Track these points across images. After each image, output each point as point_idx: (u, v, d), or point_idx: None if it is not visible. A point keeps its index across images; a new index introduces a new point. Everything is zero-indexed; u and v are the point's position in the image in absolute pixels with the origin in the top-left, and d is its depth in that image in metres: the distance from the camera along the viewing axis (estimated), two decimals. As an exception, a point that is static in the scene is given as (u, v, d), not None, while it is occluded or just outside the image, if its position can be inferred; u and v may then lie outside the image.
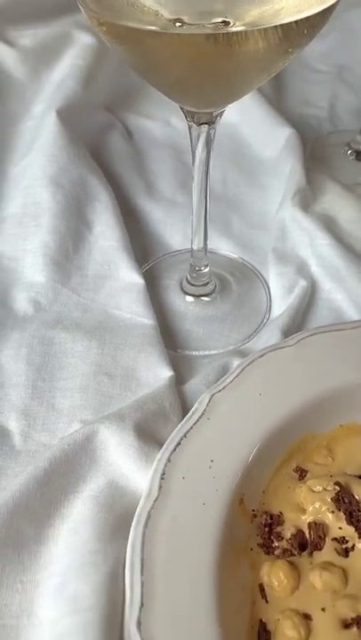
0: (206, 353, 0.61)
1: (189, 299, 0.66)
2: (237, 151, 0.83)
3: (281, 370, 0.53)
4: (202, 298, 0.66)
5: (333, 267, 0.64)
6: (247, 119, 0.85)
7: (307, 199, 0.70)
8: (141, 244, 0.72)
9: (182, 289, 0.66)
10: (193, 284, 0.65)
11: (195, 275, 0.65)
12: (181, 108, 0.49)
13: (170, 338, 0.63)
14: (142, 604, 0.38)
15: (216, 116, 0.49)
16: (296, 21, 0.41)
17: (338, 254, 0.64)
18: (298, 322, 0.62)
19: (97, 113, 0.84)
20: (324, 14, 0.43)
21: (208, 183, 0.58)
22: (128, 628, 0.38)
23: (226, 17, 0.41)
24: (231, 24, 0.41)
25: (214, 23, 0.41)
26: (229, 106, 0.83)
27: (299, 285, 0.64)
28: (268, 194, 0.76)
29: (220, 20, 0.41)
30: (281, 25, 0.41)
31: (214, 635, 0.38)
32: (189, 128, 0.52)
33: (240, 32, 0.40)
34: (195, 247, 0.62)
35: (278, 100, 0.94)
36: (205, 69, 0.42)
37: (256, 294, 0.67)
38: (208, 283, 0.65)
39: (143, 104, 0.89)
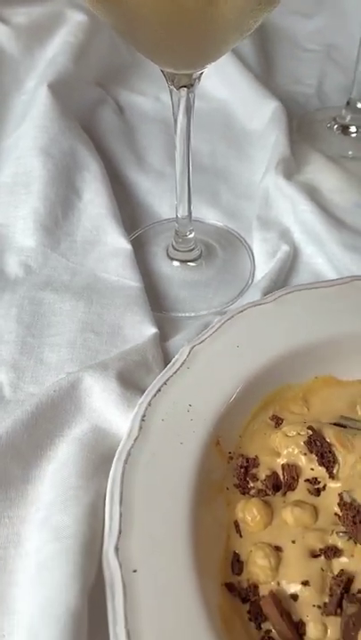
0: (191, 315, 0.64)
1: (176, 264, 0.68)
2: (226, 125, 0.85)
3: (259, 325, 0.55)
4: (188, 263, 0.68)
5: (314, 232, 0.66)
6: (236, 94, 0.87)
7: (290, 168, 0.72)
8: (131, 213, 0.74)
9: (169, 255, 0.68)
10: (179, 250, 0.67)
11: (180, 241, 0.67)
12: (162, 72, 0.51)
13: (156, 300, 0.65)
14: (120, 532, 0.41)
15: (195, 79, 0.51)
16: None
17: (319, 220, 0.66)
18: (280, 284, 0.64)
19: (89, 88, 0.86)
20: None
21: (190, 152, 0.60)
22: (106, 553, 0.40)
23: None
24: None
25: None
26: (218, 81, 0.84)
27: (281, 250, 0.66)
28: (254, 165, 0.78)
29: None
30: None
31: (188, 561, 0.40)
32: (171, 94, 0.54)
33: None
34: (179, 215, 0.64)
35: (268, 77, 0.96)
36: (182, 26, 0.44)
37: (240, 260, 0.69)
38: (193, 249, 0.68)
39: (134, 80, 0.91)
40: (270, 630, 0.41)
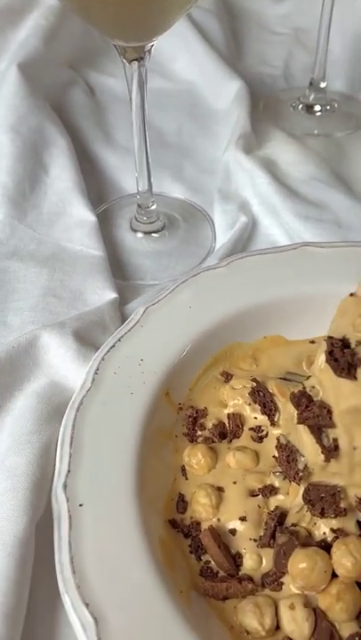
0: (153, 282, 0.66)
1: (140, 235, 0.71)
2: (193, 104, 0.88)
3: (212, 287, 0.58)
4: (152, 234, 0.71)
5: (271, 203, 0.69)
6: (202, 75, 0.90)
7: (250, 144, 0.75)
8: (98, 188, 0.77)
9: (132, 227, 0.71)
10: (141, 222, 0.70)
11: (143, 213, 0.69)
12: (115, 47, 0.54)
13: (120, 269, 0.68)
14: (69, 471, 0.44)
15: (145, 52, 0.54)
16: None
17: (275, 192, 0.69)
18: (238, 253, 0.67)
19: (60, 70, 0.89)
20: None
21: (146, 127, 0.62)
22: (55, 489, 0.43)
23: None
24: None
25: None
26: (186, 62, 0.86)
27: (240, 221, 0.69)
28: (218, 142, 0.81)
29: None
30: None
31: (131, 498, 0.43)
32: (125, 69, 0.57)
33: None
34: (140, 188, 0.67)
35: (237, 59, 0.99)
36: (131, 2, 0.46)
37: (202, 231, 0.72)
38: (156, 221, 0.70)
39: (105, 63, 0.93)
40: (209, 561, 0.44)
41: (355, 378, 0.37)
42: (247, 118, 0.78)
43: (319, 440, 0.40)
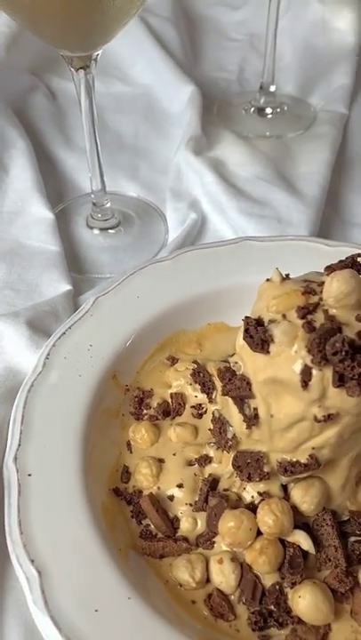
0: (107, 276, 0.70)
1: (96, 232, 0.75)
2: (149, 107, 0.93)
3: (159, 278, 0.62)
4: (108, 231, 0.75)
5: (218, 201, 0.74)
6: (158, 80, 0.94)
7: (200, 145, 0.80)
8: (58, 188, 0.81)
9: (88, 224, 0.75)
10: (97, 219, 0.74)
11: (98, 210, 0.74)
12: (62, 56, 0.58)
13: (77, 264, 0.72)
14: (19, 445, 0.48)
15: (91, 61, 0.58)
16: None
17: (222, 191, 0.74)
18: (188, 243, 0.71)
19: (22, 75, 0.93)
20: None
21: (96, 130, 0.66)
22: (6, 461, 0.47)
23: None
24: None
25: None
26: (143, 68, 0.90)
27: (190, 218, 0.73)
28: (173, 143, 0.85)
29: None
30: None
31: (77, 469, 0.47)
32: (73, 77, 0.61)
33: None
34: (94, 188, 0.71)
35: (194, 64, 1.03)
36: (75, 15, 0.50)
37: (155, 228, 0.76)
38: (111, 218, 0.74)
39: (66, 68, 0.96)
40: (149, 525, 0.48)
41: (268, 352, 0.41)
42: (198, 121, 0.83)
43: (242, 410, 0.45)
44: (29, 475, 0.46)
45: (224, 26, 1.11)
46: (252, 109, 0.94)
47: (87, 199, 0.78)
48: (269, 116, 0.94)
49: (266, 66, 0.90)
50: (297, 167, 0.79)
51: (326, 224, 0.74)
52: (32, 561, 0.41)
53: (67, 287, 0.64)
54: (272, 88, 0.92)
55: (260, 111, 0.94)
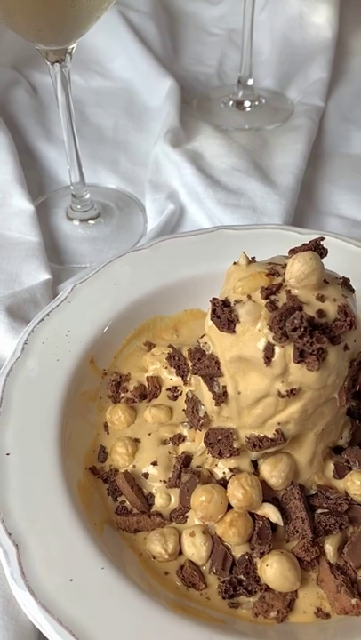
0: (88, 266, 0.72)
1: (76, 223, 0.76)
2: (129, 101, 0.94)
3: (136, 266, 0.64)
4: (88, 222, 0.77)
5: (195, 192, 0.75)
6: (138, 74, 0.96)
7: (178, 137, 0.81)
8: (39, 181, 0.83)
9: (68, 215, 0.76)
10: (76, 211, 0.76)
11: (77, 202, 0.75)
12: (38, 50, 0.59)
13: (58, 254, 0.73)
14: (-2, 425, 0.49)
15: (66, 54, 0.59)
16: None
17: (199, 181, 0.76)
18: (167, 233, 0.73)
19: (3, 71, 0.94)
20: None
21: (74, 122, 0.68)
22: (-15, 440, 0.48)
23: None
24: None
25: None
26: (123, 62, 0.92)
27: (168, 208, 0.75)
28: (152, 136, 0.87)
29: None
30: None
31: (54, 449, 0.49)
32: (49, 71, 0.62)
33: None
34: (72, 180, 0.73)
35: (174, 59, 1.05)
36: (49, 10, 0.52)
37: (134, 218, 0.78)
38: (90, 209, 0.76)
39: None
40: (124, 501, 0.50)
41: (234, 331, 0.43)
42: (176, 114, 0.84)
43: (211, 388, 0.46)
44: (7, 454, 0.48)
45: (204, 21, 1.13)
46: (231, 103, 0.96)
47: (67, 191, 0.80)
48: (248, 109, 0.95)
49: (243, 60, 0.92)
50: (273, 158, 0.81)
51: (301, 213, 0.76)
52: (9, 534, 0.43)
53: (46, 276, 0.66)
54: (250, 82, 0.94)
55: (239, 104, 0.96)
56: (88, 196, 0.75)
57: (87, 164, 0.80)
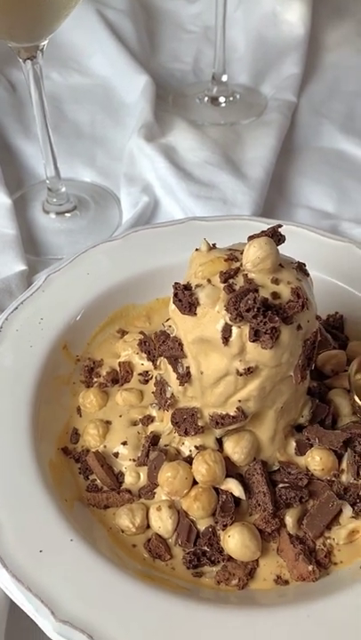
0: (63, 257, 0.73)
1: (53, 216, 0.78)
2: (106, 97, 0.96)
3: (109, 257, 0.66)
4: (65, 214, 0.79)
5: (169, 185, 0.78)
6: (114, 71, 0.98)
7: (152, 132, 0.84)
8: (16, 176, 0.84)
9: (44, 209, 0.78)
10: (52, 204, 0.78)
11: (53, 196, 0.77)
12: (10, 48, 0.61)
13: (34, 247, 0.75)
14: (-28, 410, 0.51)
15: (37, 52, 0.61)
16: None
17: (172, 174, 0.78)
18: (141, 225, 0.75)
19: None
20: None
21: (48, 119, 0.70)
22: None
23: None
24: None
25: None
26: (100, 59, 0.93)
27: (142, 201, 0.77)
28: (128, 131, 0.89)
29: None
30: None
31: (26, 430, 0.51)
32: (22, 68, 0.64)
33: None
34: (48, 174, 0.75)
35: (151, 56, 1.07)
36: (18, 8, 0.54)
37: (110, 211, 0.80)
38: (66, 202, 0.78)
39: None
40: (95, 479, 0.52)
41: (195, 314, 0.45)
42: (150, 110, 0.86)
43: (175, 369, 0.48)
44: (-18, 435, 0.50)
45: (181, 18, 1.15)
46: (206, 99, 0.98)
47: (44, 186, 0.81)
48: (223, 104, 0.97)
49: (217, 57, 0.94)
50: (245, 152, 0.83)
51: (272, 205, 0.79)
52: (-18, 510, 0.45)
53: (21, 267, 0.68)
54: (224, 78, 0.96)
55: (214, 100, 0.98)
56: (64, 189, 0.77)
57: (64, 159, 0.82)
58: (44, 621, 0.40)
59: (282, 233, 0.48)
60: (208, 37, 1.11)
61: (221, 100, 0.98)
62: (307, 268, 0.51)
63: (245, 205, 0.74)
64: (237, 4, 1.11)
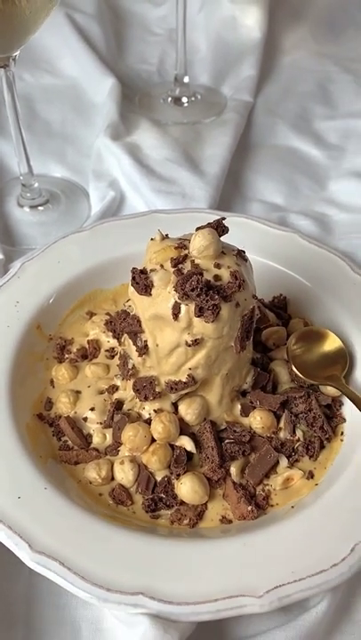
0: (37, 247, 0.80)
1: (26, 209, 0.85)
2: (76, 97, 1.03)
3: (78, 246, 0.73)
4: (37, 208, 0.85)
5: (133, 181, 0.85)
6: (83, 72, 1.04)
7: (118, 131, 0.91)
8: (-8, 172, 0.91)
9: (19, 203, 0.85)
10: (26, 199, 0.84)
11: (27, 190, 0.84)
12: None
13: (10, 238, 0.82)
14: None
15: (10, 60, 0.67)
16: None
17: (136, 171, 0.85)
18: (108, 217, 0.82)
19: None
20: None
21: (20, 121, 0.76)
22: None
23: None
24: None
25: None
26: (69, 61, 0.99)
27: (109, 195, 0.84)
28: (96, 130, 0.95)
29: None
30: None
31: (5, 398, 0.58)
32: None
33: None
34: (21, 171, 0.81)
35: (118, 57, 1.13)
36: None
37: (79, 205, 0.87)
38: (38, 197, 0.84)
39: None
40: (67, 440, 0.59)
41: (150, 294, 0.53)
42: (116, 110, 0.93)
43: (135, 343, 0.56)
44: (-34, 403, 0.57)
45: (148, 21, 1.21)
46: (170, 99, 1.05)
47: (18, 181, 0.88)
48: (185, 104, 1.04)
49: (178, 59, 1.01)
50: (203, 150, 0.90)
51: (228, 199, 0.86)
52: (-32, 464, 0.52)
53: (-1, 257, 0.75)
54: (185, 79, 1.03)
55: (177, 100, 1.05)
56: (36, 185, 0.83)
57: (37, 157, 0.88)
58: (23, 553, 0.48)
59: (225, 224, 0.56)
60: (172, 39, 1.17)
61: (184, 100, 1.05)
62: (254, 254, 0.60)
63: (202, 200, 0.81)
64: (200, 6, 1.18)
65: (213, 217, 0.76)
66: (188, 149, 0.90)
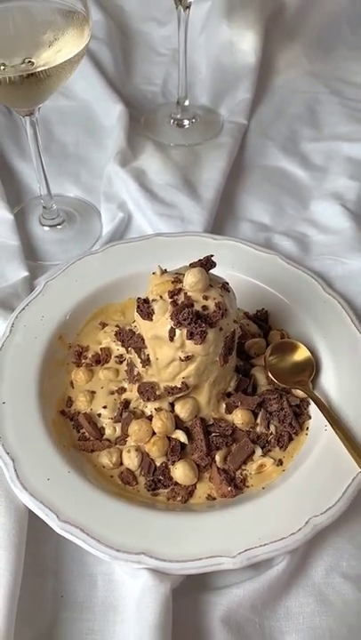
0: (56, 262, 0.93)
1: (46, 228, 0.97)
2: (88, 120, 1.14)
3: (92, 266, 0.86)
4: (56, 227, 0.98)
5: (139, 204, 0.97)
6: (95, 97, 1.15)
7: (126, 157, 1.02)
8: (16, 193, 1.03)
9: (40, 222, 0.97)
10: (46, 219, 0.97)
11: (46, 211, 0.96)
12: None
13: (33, 254, 0.94)
14: (-4, 384, 0.72)
15: (35, 109, 0.79)
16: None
17: (142, 195, 0.97)
18: (116, 240, 0.94)
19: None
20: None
21: (41, 153, 0.88)
22: (-12, 395, 0.71)
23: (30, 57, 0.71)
24: (35, 64, 0.70)
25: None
26: (82, 85, 1.10)
27: (118, 216, 0.97)
28: (108, 152, 1.07)
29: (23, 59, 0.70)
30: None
31: (35, 399, 0.72)
32: (21, 119, 0.83)
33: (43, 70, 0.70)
34: (41, 193, 0.94)
35: (126, 78, 1.24)
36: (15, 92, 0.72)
37: (93, 224, 0.99)
38: (57, 217, 0.97)
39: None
40: (85, 432, 0.73)
41: (151, 320, 0.66)
42: (124, 137, 1.04)
43: (139, 356, 0.69)
44: (4, 402, 0.71)
45: (154, 40, 1.30)
46: (172, 121, 1.15)
47: (39, 202, 1.00)
48: (186, 126, 1.15)
49: (180, 83, 1.11)
50: (201, 174, 1.02)
51: (221, 219, 0.98)
52: (7, 453, 0.66)
53: (24, 273, 0.87)
54: (186, 102, 1.14)
55: (179, 122, 1.15)
56: (55, 207, 0.96)
57: (54, 177, 1.00)
58: (52, 522, 0.62)
59: (213, 260, 0.68)
60: (175, 60, 1.27)
61: (185, 122, 1.15)
62: (242, 273, 0.76)
63: (198, 223, 0.93)
64: (201, 29, 1.28)
65: (208, 240, 0.90)
66: (187, 174, 1.02)
